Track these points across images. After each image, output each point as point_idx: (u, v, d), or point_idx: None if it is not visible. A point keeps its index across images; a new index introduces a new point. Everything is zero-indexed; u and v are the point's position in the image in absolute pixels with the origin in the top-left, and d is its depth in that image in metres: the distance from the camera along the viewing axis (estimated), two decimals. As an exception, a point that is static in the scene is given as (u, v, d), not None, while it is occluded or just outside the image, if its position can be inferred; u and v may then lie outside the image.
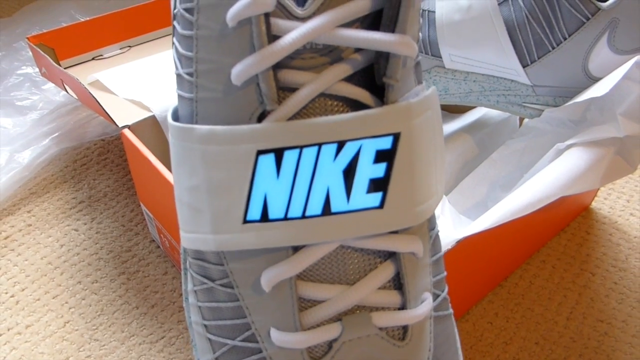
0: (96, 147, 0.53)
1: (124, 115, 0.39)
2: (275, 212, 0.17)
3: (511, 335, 0.38)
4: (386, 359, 0.18)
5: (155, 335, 0.37)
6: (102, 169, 0.51)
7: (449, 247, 0.29)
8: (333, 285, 0.18)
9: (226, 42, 0.17)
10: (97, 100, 0.38)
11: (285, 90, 0.17)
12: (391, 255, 0.19)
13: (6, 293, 0.40)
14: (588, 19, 0.32)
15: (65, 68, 0.50)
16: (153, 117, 0.40)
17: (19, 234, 0.45)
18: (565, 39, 0.33)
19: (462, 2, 0.35)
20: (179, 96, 0.20)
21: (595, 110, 0.33)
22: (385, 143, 0.17)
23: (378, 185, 0.17)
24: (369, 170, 0.17)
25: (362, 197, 0.17)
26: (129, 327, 0.38)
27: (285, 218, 0.17)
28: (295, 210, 0.17)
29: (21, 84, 0.57)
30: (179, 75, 0.19)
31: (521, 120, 0.45)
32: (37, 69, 0.59)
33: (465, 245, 0.30)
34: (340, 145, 0.17)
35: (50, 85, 0.57)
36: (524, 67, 0.35)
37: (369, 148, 0.17)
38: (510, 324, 0.39)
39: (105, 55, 0.53)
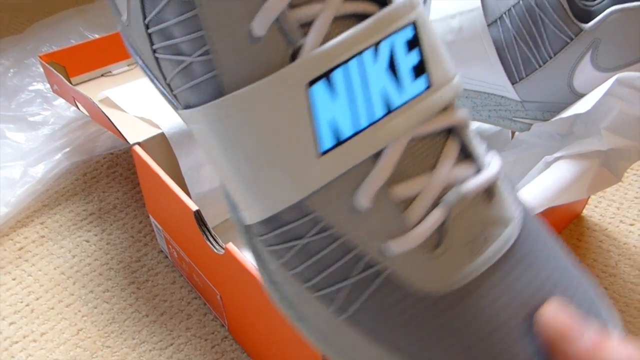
0: (105, 160, 0.55)
1: (134, 131, 0.41)
2: (345, 130, 0.18)
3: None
4: (486, 223, 0.19)
5: (164, 342, 0.39)
6: (111, 181, 0.53)
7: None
8: (418, 177, 0.19)
9: (234, 1, 0.18)
10: (108, 118, 0.40)
11: (304, 26, 0.18)
12: (451, 132, 0.20)
13: (21, 302, 0.42)
14: (572, 39, 0.34)
15: (75, 84, 0.53)
16: (162, 134, 0.42)
17: (33, 245, 0.47)
18: (550, 57, 0.35)
19: (453, 24, 0.37)
20: (191, 89, 0.20)
21: (581, 125, 0.35)
22: (409, 33, 0.19)
23: (419, 70, 0.19)
24: (406, 60, 0.19)
25: (411, 86, 0.19)
26: (140, 334, 0.40)
27: (356, 132, 0.18)
28: (363, 120, 0.18)
29: (33, 100, 0.59)
30: (185, 68, 0.19)
31: (513, 133, 0.47)
32: (47, 85, 0.61)
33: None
34: (376, 47, 0.18)
35: (60, 101, 0.59)
36: (512, 84, 0.36)
37: (399, 41, 0.18)
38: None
39: (113, 72, 0.55)
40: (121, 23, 0.23)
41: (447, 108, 0.20)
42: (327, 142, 0.18)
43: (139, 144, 0.40)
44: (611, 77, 0.33)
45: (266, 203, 0.19)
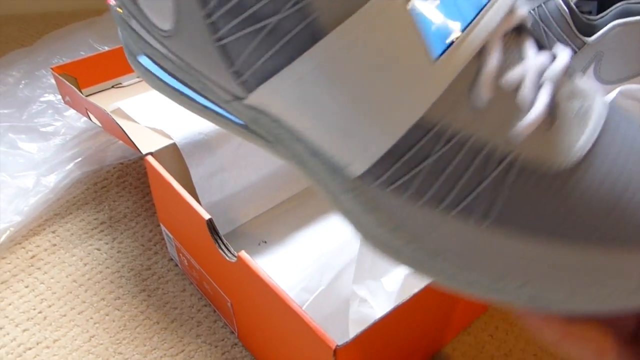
0: (115, 170, 0.56)
1: (146, 142, 0.42)
2: (450, 33, 0.19)
3: (511, 347, 0.40)
4: (581, 96, 0.21)
5: (175, 348, 0.40)
6: (121, 191, 0.54)
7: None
8: (516, 66, 0.20)
9: None
10: (121, 128, 0.41)
11: None
12: (521, 29, 0.21)
13: (34, 309, 0.43)
14: (575, 52, 0.34)
15: (87, 96, 0.54)
16: (173, 144, 0.43)
17: (45, 254, 0.48)
18: (555, 70, 0.35)
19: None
20: (276, 54, 0.19)
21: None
22: None
23: None
24: None
25: None
26: (151, 341, 0.40)
27: (465, 27, 0.19)
28: (463, 21, 0.19)
29: (44, 111, 0.60)
30: (270, 33, 0.19)
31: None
32: (58, 96, 0.62)
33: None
34: None
35: (71, 111, 0.60)
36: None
37: None
38: (509, 336, 0.41)
39: (124, 84, 0.56)
40: (148, 47, 0.24)
41: (513, 9, 0.20)
42: (438, 47, 0.19)
43: (151, 154, 0.40)
44: (614, 89, 0.34)
45: (387, 132, 0.19)
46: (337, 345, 0.27)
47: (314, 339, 0.28)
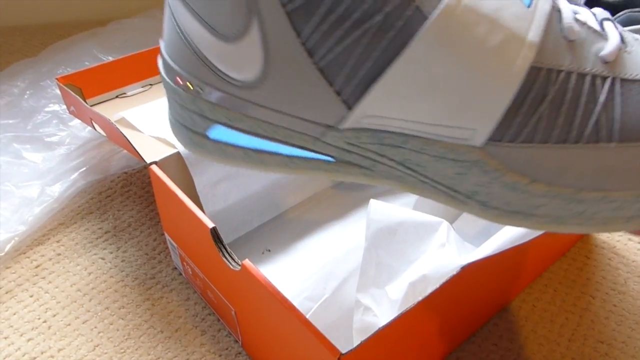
0: (120, 179, 0.56)
1: (150, 151, 0.42)
2: None
3: (515, 356, 0.40)
4: None
5: (179, 357, 0.40)
6: (125, 200, 0.54)
7: (454, 272, 0.31)
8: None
9: None
10: (125, 138, 0.41)
11: None
12: None
13: (39, 318, 0.43)
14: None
15: (91, 106, 0.54)
16: (177, 153, 0.43)
17: (49, 263, 0.48)
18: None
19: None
20: (388, 44, 0.20)
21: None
22: None
23: None
24: None
25: None
26: (155, 350, 0.40)
27: None
28: None
29: (49, 121, 0.60)
30: (379, 27, 0.20)
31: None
32: (63, 106, 0.62)
33: (470, 270, 0.32)
34: None
35: (76, 121, 0.60)
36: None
37: None
38: (514, 345, 0.41)
39: (128, 94, 0.56)
40: (224, 111, 0.24)
41: None
42: None
43: (155, 163, 0.41)
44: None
45: (506, 85, 0.20)
46: (341, 354, 0.27)
47: (318, 347, 0.28)
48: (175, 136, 0.26)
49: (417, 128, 0.22)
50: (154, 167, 0.40)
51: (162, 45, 0.25)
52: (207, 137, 0.25)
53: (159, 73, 0.60)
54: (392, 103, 0.21)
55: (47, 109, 0.61)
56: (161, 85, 0.58)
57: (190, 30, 0.22)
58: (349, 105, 0.22)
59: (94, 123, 0.49)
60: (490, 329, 0.42)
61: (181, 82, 0.24)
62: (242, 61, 0.22)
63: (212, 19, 0.21)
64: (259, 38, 0.21)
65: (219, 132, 0.24)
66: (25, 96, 0.64)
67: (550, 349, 0.41)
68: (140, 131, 0.46)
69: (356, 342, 0.28)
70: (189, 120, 0.25)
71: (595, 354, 0.40)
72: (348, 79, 0.21)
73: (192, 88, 0.24)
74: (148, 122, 0.47)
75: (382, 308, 0.34)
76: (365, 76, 0.21)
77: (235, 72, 0.22)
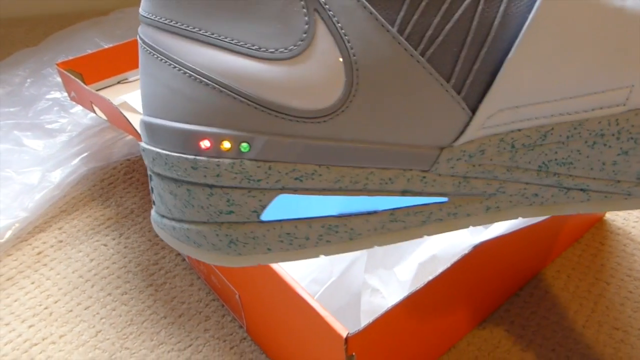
0: (122, 166, 0.55)
1: (152, 133, 0.41)
2: None
3: (528, 343, 0.39)
4: None
5: (183, 343, 0.39)
6: (128, 187, 0.53)
7: (466, 252, 0.30)
8: None
9: None
10: (127, 119, 0.40)
11: None
12: None
13: (40, 305, 0.42)
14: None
15: (93, 92, 0.53)
16: (180, 135, 0.42)
17: (51, 250, 0.47)
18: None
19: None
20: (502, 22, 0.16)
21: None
22: None
23: None
24: None
25: None
26: (158, 335, 0.39)
27: None
28: None
29: (50, 108, 0.59)
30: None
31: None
32: (64, 94, 0.62)
33: (481, 250, 0.31)
34: None
35: (77, 108, 0.59)
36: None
37: None
38: (526, 331, 0.40)
39: (130, 79, 0.56)
40: (289, 170, 0.16)
41: None
42: None
43: (158, 144, 0.40)
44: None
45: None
46: (348, 333, 0.26)
47: (325, 328, 0.27)
48: (194, 255, 0.18)
49: (562, 108, 0.17)
50: (156, 149, 0.39)
51: (150, 110, 0.18)
52: (259, 222, 0.17)
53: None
54: (528, 83, 0.17)
55: (48, 97, 0.61)
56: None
57: (215, 67, 0.16)
58: (472, 105, 0.17)
59: (95, 107, 0.48)
60: (502, 315, 0.41)
61: (210, 145, 0.17)
62: (312, 80, 0.16)
63: (252, 38, 0.16)
64: (332, 41, 0.15)
65: (279, 207, 0.17)
66: (26, 84, 0.63)
67: (563, 335, 0.39)
68: (142, 114, 0.46)
69: (364, 325, 0.27)
70: (224, 207, 0.17)
71: (610, 341, 0.39)
72: (466, 65, 0.16)
73: (230, 147, 0.17)
74: (150, 106, 0.46)
75: (391, 289, 0.33)
76: (490, 55, 0.16)
77: (302, 101, 0.16)
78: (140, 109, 0.46)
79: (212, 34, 0.16)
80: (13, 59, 0.70)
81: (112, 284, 0.44)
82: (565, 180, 0.18)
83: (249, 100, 0.16)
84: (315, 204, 0.17)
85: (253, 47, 0.16)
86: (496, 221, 0.19)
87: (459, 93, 0.16)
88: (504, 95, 0.17)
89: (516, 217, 0.19)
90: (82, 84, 0.47)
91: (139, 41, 0.18)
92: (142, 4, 0.18)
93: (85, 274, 0.45)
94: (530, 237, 0.38)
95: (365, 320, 0.34)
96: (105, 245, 0.47)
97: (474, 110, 0.17)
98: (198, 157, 0.17)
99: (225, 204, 0.17)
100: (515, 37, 0.16)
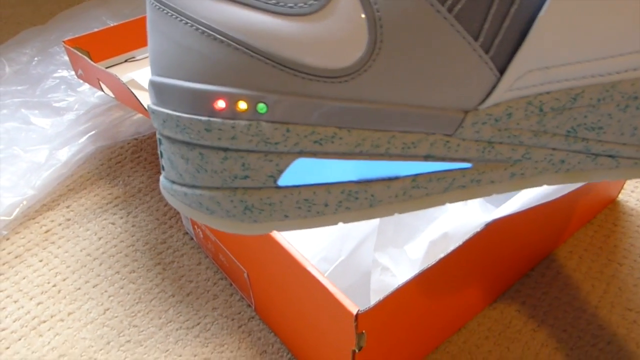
0: (129, 145, 0.55)
1: (160, 110, 0.41)
2: None
3: (539, 323, 0.39)
4: None
5: (191, 321, 0.39)
6: (136, 166, 0.53)
7: (478, 229, 0.30)
8: None
9: None
10: (135, 95, 0.40)
11: None
12: None
13: (48, 283, 0.42)
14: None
15: (100, 70, 0.52)
16: (187, 112, 0.41)
17: (59, 228, 0.47)
18: None
19: None
20: None
21: None
22: None
23: None
24: None
25: None
26: (166, 314, 0.39)
27: None
28: None
29: (57, 87, 0.59)
30: None
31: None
32: (72, 73, 0.61)
33: (493, 228, 0.30)
34: None
35: (85, 87, 0.59)
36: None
37: None
38: (538, 311, 0.39)
39: (137, 57, 0.55)
40: (309, 132, 0.15)
41: None
42: None
43: (165, 121, 0.39)
44: None
45: None
46: (358, 311, 0.26)
47: (335, 306, 0.27)
48: (207, 222, 0.17)
49: (594, 69, 0.16)
50: (163, 125, 0.38)
51: (159, 69, 0.17)
52: (276, 187, 0.17)
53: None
54: (560, 42, 0.16)
55: (55, 75, 0.60)
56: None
57: (230, 23, 0.15)
58: (500, 65, 0.16)
59: (102, 85, 0.47)
60: (513, 295, 0.40)
61: (225, 105, 0.16)
62: (332, 37, 0.15)
63: None
64: None
65: (297, 172, 0.16)
66: (34, 63, 0.63)
67: (575, 315, 0.39)
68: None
69: (374, 302, 0.26)
70: (239, 171, 0.16)
71: (623, 322, 0.38)
72: (496, 22, 0.15)
73: (246, 108, 0.16)
74: (157, 83, 0.46)
75: (401, 268, 0.33)
76: (521, 11, 0.15)
77: (322, 59, 0.15)
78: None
79: None
80: (20, 37, 0.70)
81: (120, 262, 0.43)
82: (594, 145, 0.17)
83: (266, 57, 0.15)
84: (335, 169, 0.16)
85: (271, 2, 0.15)
86: (521, 189, 0.18)
87: (487, 52, 0.16)
88: (534, 55, 0.16)
89: (541, 185, 0.18)
90: (89, 61, 0.47)
91: None
92: None
93: (93, 252, 0.44)
94: (543, 216, 0.37)
95: (375, 299, 0.33)
96: (113, 223, 0.47)
97: (502, 71, 0.16)
98: (212, 119, 0.16)
99: (240, 168, 0.16)
100: None
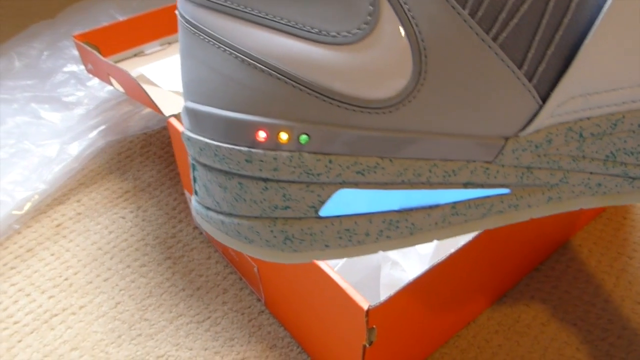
0: (139, 140, 0.55)
1: (169, 105, 0.41)
2: None
3: (548, 317, 0.39)
4: None
5: (201, 315, 0.39)
6: (145, 160, 0.53)
7: (488, 224, 0.30)
8: None
9: None
10: (144, 91, 0.40)
11: None
12: None
13: (60, 276, 0.43)
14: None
15: (109, 64, 0.53)
16: (197, 107, 0.41)
17: (70, 222, 0.47)
18: None
19: None
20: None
21: None
22: None
23: None
24: None
25: None
26: (177, 307, 0.40)
27: None
28: None
29: (67, 81, 0.59)
30: None
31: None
32: (81, 67, 0.61)
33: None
34: None
35: (94, 81, 0.59)
36: None
37: None
38: (547, 306, 0.39)
39: (146, 52, 0.55)
40: (350, 163, 0.15)
41: None
42: None
43: (174, 116, 0.39)
44: None
45: None
46: (369, 306, 0.26)
47: (345, 301, 0.27)
48: (245, 250, 0.17)
49: (635, 95, 0.16)
50: (173, 120, 0.38)
51: (195, 96, 0.16)
52: (317, 218, 0.16)
53: (177, 31, 0.58)
54: (604, 69, 0.15)
55: (65, 69, 0.60)
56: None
57: (271, 52, 0.15)
58: (543, 92, 0.16)
59: (112, 80, 0.47)
60: (522, 289, 0.40)
61: (266, 136, 0.16)
62: (376, 67, 0.15)
63: (311, 20, 0.15)
64: (398, 25, 0.14)
65: (338, 202, 0.16)
66: (43, 57, 0.63)
67: (585, 309, 0.39)
68: (159, 87, 0.45)
69: (385, 297, 0.26)
70: (280, 202, 0.16)
71: (633, 316, 0.38)
72: (540, 50, 0.15)
73: (288, 139, 0.15)
74: (167, 78, 0.46)
75: (411, 262, 0.33)
76: (565, 39, 0.15)
77: (366, 89, 0.15)
78: (158, 82, 0.45)
79: (267, 15, 0.15)
80: (29, 31, 0.70)
81: (130, 256, 0.44)
82: (633, 169, 0.17)
83: (308, 88, 0.15)
84: (377, 199, 0.16)
85: (313, 30, 0.15)
86: (557, 212, 0.18)
87: (530, 80, 0.15)
88: (577, 82, 0.16)
89: (577, 208, 0.18)
90: (99, 55, 0.47)
91: (179, 18, 0.17)
92: None
93: (104, 246, 0.45)
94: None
95: (384, 294, 0.33)
96: (123, 217, 0.47)
97: (544, 99, 0.16)
98: (253, 150, 0.16)
99: (281, 198, 0.16)
100: (592, 18, 0.15)
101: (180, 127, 0.38)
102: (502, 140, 0.16)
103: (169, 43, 0.56)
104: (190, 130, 0.17)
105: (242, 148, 0.16)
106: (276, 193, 0.16)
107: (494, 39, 0.15)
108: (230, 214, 0.17)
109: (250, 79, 0.15)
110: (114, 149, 0.54)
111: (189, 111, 0.17)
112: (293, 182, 0.16)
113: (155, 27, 0.56)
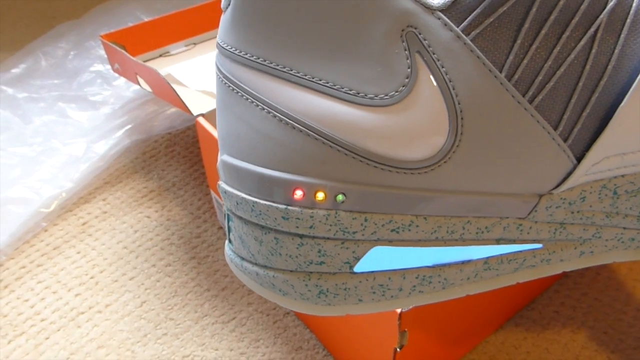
0: (164, 140, 0.55)
1: (197, 104, 0.41)
2: None
3: (579, 325, 0.38)
4: None
5: (226, 316, 0.39)
6: (170, 160, 0.53)
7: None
8: None
9: None
10: (173, 89, 0.40)
11: None
12: None
13: (86, 274, 0.43)
14: None
15: (135, 64, 0.53)
16: (225, 107, 0.41)
17: (96, 221, 0.47)
18: None
19: None
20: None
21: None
22: None
23: None
24: None
25: None
26: (202, 307, 0.40)
27: None
28: None
29: (93, 81, 0.60)
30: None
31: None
32: (107, 66, 0.62)
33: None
34: None
35: (120, 81, 0.59)
36: None
37: None
38: (577, 313, 0.38)
39: (172, 52, 0.55)
40: (386, 221, 0.15)
41: None
42: None
43: (202, 115, 0.39)
44: None
45: None
46: (402, 310, 0.25)
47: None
48: (280, 302, 0.17)
49: None
50: (201, 119, 0.38)
51: (233, 151, 0.17)
52: (352, 273, 0.17)
53: (202, 31, 0.59)
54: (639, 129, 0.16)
55: (91, 69, 0.61)
56: (204, 44, 0.56)
57: (310, 113, 0.15)
58: (577, 152, 0.16)
59: (139, 78, 0.48)
60: (551, 296, 0.40)
61: (302, 194, 0.16)
62: (413, 129, 0.15)
63: (350, 81, 0.15)
64: (435, 87, 0.14)
65: (373, 259, 0.17)
66: (70, 57, 0.64)
67: (616, 317, 0.38)
68: (186, 86, 0.45)
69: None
70: (315, 257, 0.16)
71: (666, 325, 0.38)
72: (576, 112, 0.15)
73: (324, 198, 0.16)
74: (194, 77, 0.46)
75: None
76: (601, 100, 0.15)
77: (403, 151, 0.15)
78: (185, 82, 0.45)
79: (305, 75, 0.15)
80: (55, 32, 0.71)
81: (155, 255, 0.44)
82: None
83: (346, 149, 0.15)
84: (410, 255, 0.17)
85: (351, 92, 0.15)
86: (589, 265, 0.18)
87: (565, 141, 0.16)
88: (612, 143, 0.16)
89: (610, 262, 0.18)
90: (127, 54, 0.47)
91: (217, 72, 0.17)
92: (220, 32, 0.17)
93: (129, 245, 0.45)
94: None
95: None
96: (148, 217, 0.47)
97: (579, 158, 0.16)
98: (290, 207, 0.16)
99: (316, 254, 0.16)
100: (629, 79, 0.15)
101: (207, 126, 0.38)
102: (535, 198, 0.16)
103: (194, 44, 0.57)
104: (227, 184, 0.18)
105: (279, 205, 0.16)
106: (312, 249, 0.16)
107: (530, 101, 0.15)
108: (265, 267, 0.17)
109: (288, 138, 0.16)
110: (139, 148, 0.54)
111: (226, 165, 0.17)
112: (329, 238, 0.16)
113: (180, 28, 0.56)
